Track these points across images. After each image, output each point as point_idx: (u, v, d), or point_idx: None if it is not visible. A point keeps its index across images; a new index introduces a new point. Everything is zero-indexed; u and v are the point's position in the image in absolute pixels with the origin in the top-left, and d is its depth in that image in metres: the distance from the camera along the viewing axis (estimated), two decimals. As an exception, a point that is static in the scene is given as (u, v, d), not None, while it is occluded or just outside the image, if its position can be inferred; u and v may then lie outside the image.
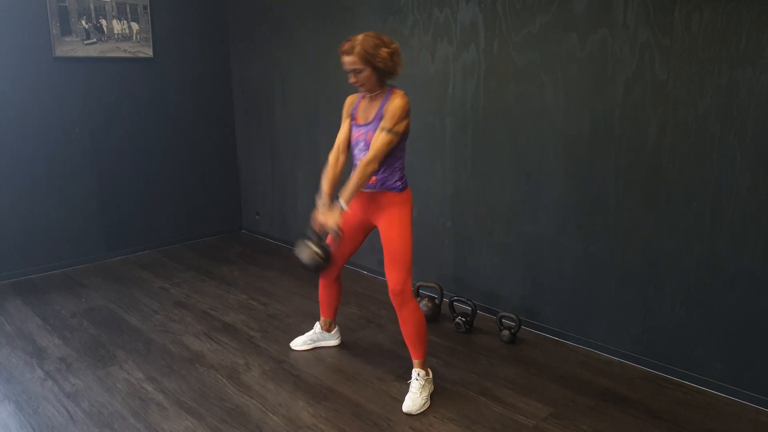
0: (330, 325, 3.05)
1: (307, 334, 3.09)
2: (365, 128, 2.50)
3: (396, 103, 2.40)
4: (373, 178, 2.50)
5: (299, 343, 3.06)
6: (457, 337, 3.21)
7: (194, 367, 2.88)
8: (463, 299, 3.41)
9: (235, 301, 3.72)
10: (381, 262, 4.06)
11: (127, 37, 4.33)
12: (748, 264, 2.48)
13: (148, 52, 4.45)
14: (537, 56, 2.98)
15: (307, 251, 2.50)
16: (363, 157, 2.46)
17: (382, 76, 2.44)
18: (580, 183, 2.95)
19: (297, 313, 3.52)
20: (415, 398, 2.50)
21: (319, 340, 3.06)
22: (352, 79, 2.44)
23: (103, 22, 4.20)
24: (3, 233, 3.99)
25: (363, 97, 2.57)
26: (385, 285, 3.93)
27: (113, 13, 4.24)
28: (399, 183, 2.52)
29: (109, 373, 2.82)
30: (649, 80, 2.62)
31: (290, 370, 2.85)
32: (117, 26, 4.27)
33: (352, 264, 4.29)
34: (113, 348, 3.07)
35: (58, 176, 4.17)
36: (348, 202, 2.43)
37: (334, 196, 2.55)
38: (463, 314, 3.27)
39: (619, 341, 2.94)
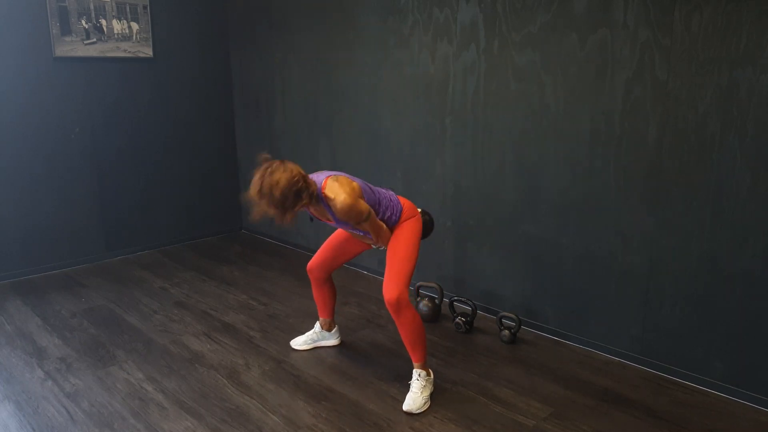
0: (330, 325, 3.05)
1: (307, 333, 3.09)
2: (338, 224, 2.52)
3: (340, 209, 2.30)
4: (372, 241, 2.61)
5: (300, 343, 3.06)
6: (457, 337, 3.21)
7: (194, 367, 2.88)
8: (463, 299, 3.41)
9: (235, 301, 3.72)
10: (381, 262, 4.06)
11: (127, 37, 4.33)
12: (748, 264, 2.48)
13: (148, 52, 4.45)
14: (537, 56, 2.98)
15: None
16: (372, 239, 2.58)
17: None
18: (580, 183, 2.95)
19: (297, 313, 3.52)
20: (415, 397, 2.50)
21: (319, 339, 3.06)
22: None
23: (103, 22, 4.20)
24: (3, 233, 3.99)
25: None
26: (385, 285, 3.95)
27: (113, 13, 4.24)
28: (393, 217, 2.54)
29: (109, 373, 2.82)
30: (649, 80, 2.62)
31: (290, 370, 2.85)
32: (117, 26, 4.27)
33: (352, 264, 4.29)
34: (113, 348, 3.07)
35: (58, 176, 4.17)
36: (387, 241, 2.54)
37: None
38: (463, 314, 3.27)
39: (619, 341, 2.94)
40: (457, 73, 3.35)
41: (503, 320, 3.21)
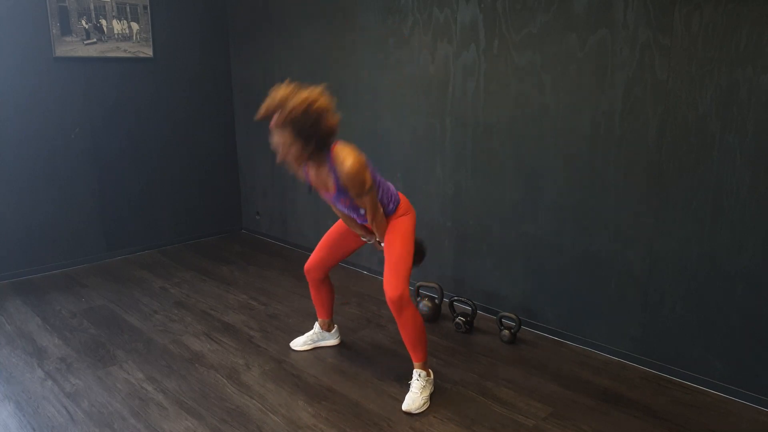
0: (329, 325, 3.05)
1: (307, 334, 3.09)
2: (334, 197, 2.45)
3: (348, 171, 2.25)
4: (367, 224, 2.56)
5: (299, 344, 3.06)
6: (457, 337, 3.21)
7: (194, 367, 2.88)
8: (463, 299, 3.41)
9: (235, 301, 3.72)
10: (381, 262, 4.06)
11: (127, 37, 4.33)
12: (748, 264, 2.48)
13: (148, 52, 4.45)
14: (537, 56, 2.98)
15: None
16: (366, 218, 2.53)
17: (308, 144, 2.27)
18: (580, 183, 2.95)
19: (297, 313, 3.52)
20: (415, 397, 2.50)
21: (319, 339, 3.06)
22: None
23: (103, 22, 4.20)
24: (3, 233, 3.99)
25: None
26: (385, 285, 3.94)
27: (113, 13, 4.24)
28: (391, 206, 2.53)
29: (109, 373, 2.82)
30: (649, 80, 2.62)
31: (290, 370, 2.85)
32: (117, 26, 4.27)
33: (352, 264, 4.30)
34: (113, 348, 3.07)
35: (58, 176, 4.17)
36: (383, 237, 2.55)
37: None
38: (463, 314, 3.27)
39: (618, 341, 2.94)
40: (457, 73, 3.35)
41: (503, 320, 3.21)
